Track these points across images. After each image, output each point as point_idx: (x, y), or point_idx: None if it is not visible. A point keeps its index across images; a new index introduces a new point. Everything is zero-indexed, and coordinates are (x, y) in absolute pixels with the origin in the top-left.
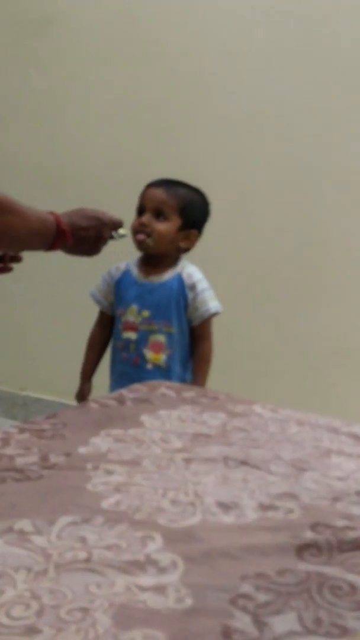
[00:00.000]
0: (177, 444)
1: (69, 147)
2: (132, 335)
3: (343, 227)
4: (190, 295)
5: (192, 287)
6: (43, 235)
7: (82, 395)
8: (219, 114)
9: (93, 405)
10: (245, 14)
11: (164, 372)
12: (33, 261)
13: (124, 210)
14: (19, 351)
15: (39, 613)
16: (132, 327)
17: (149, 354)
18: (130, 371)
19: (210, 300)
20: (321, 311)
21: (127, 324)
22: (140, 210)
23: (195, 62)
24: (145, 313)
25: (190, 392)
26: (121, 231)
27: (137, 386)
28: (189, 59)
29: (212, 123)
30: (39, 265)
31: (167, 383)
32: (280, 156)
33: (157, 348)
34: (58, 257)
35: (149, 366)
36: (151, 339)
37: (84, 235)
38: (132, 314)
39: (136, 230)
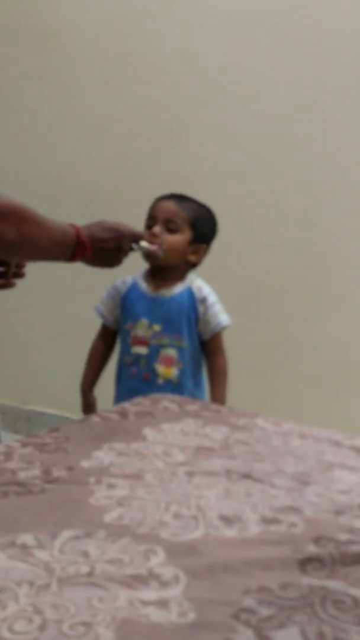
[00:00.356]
0: (180, 457)
1: (69, 161)
2: (142, 350)
3: (347, 239)
4: (201, 308)
5: (203, 300)
6: (63, 246)
7: (90, 407)
8: (220, 126)
9: (96, 419)
10: (246, 27)
11: (175, 387)
12: (36, 275)
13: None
14: (22, 365)
15: (42, 627)
16: (143, 342)
17: (160, 369)
18: (140, 387)
19: (220, 314)
20: (324, 323)
21: (137, 338)
22: (150, 222)
23: (197, 75)
24: (156, 327)
25: (193, 406)
26: (143, 244)
27: (140, 399)
28: (190, 72)
29: (213, 135)
30: (42, 280)
31: (170, 396)
32: (284, 167)
33: (168, 362)
34: (61, 271)
35: (160, 381)
36: (162, 353)
37: (103, 247)
38: (142, 328)
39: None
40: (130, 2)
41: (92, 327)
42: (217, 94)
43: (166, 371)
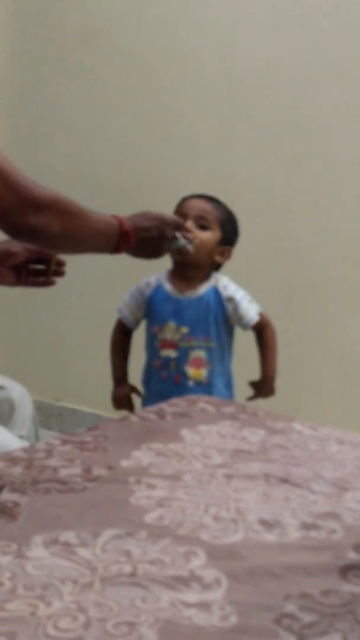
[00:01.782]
0: (218, 459)
1: (110, 159)
2: (171, 353)
3: None
4: (229, 307)
5: (230, 299)
6: (107, 237)
7: (118, 398)
8: (258, 126)
9: (133, 418)
10: (281, 26)
11: (205, 388)
12: (71, 273)
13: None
14: (54, 362)
15: (86, 626)
16: (171, 345)
17: (191, 371)
18: (171, 390)
19: (250, 310)
20: (359, 324)
21: (166, 341)
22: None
23: (233, 73)
24: (184, 329)
25: (229, 408)
26: (180, 241)
27: (176, 400)
28: (226, 71)
29: (251, 134)
30: (76, 278)
31: (206, 398)
32: (324, 166)
33: (197, 364)
34: (95, 270)
35: (191, 383)
36: (192, 355)
37: (147, 236)
38: (170, 332)
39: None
40: (169, 3)
41: None
42: (253, 93)
43: (196, 373)
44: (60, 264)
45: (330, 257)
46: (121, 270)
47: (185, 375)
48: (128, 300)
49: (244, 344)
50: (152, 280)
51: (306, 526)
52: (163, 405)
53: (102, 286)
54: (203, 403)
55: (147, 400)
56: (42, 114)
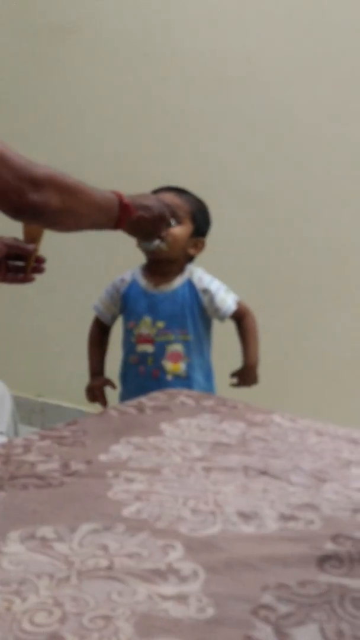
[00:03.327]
0: (197, 452)
1: (87, 153)
2: (148, 347)
3: None
4: (205, 299)
5: (205, 290)
6: (108, 212)
7: (91, 390)
8: (241, 120)
9: (112, 412)
10: (266, 21)
11: (184, 382)
12: (51, 269)
13: None
14: (36, 358)
15: (62, 620)
16: (148, 340)
17: (168, 365)
18: (149, 385)
19: (227, 299)
20: (343, 320)
21: (142, 336)
22: None
23: (216, 68)
24: (160, 324)
25: (209, 401)
26: (156, 241)
27: (156, 394)
28: (209, 67)
29: (234, 129)
30: (57, 273)
31: (186, 391)
32: (307, 163)
33: (175, 358)
34: (76, 266)
35: (169, 377)
36: (169, 349)
37: (147, 214)
38: (146, 326)
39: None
40: None
41: None
42: (235, 88)
43: (174, 367)
44: (40, 260)
45: (313, 251)
46: (102, 266)
47: (163, 370)
48: (104, 297)
49: (224, 335)
50: (127, 276)
51: (284, 517)
52: (143, 399)
53: (83, 282)
54: (183, 397)
55: (125, 396)
56: (19, 109)
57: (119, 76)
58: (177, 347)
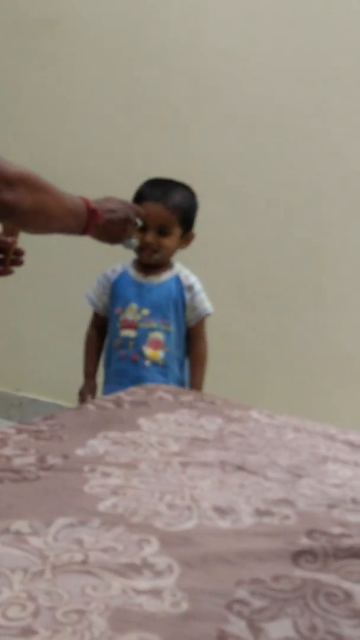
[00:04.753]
0: (174, 447)
1: (70, 146)
2: (131, 333)
3: (346, 235)
4: (187, 295)
5: (190, 288)
6: (77, 215)
7: (91, 390)
8: (221, 115)
9: (91, 407)
10: (247, 15)
11: (161, 370)
12: (30, 262)
13: None
14: (15, 352)
15: (35, 614)
16: (131, 325)
17: (148, 351)
18: (128, 368)
19: (205, 301)
20: (320, 318)
21: (126, 322)
22: (142, 226)
23: (198, 63)
24: (145, 311)
25: (187, 396)
26: (133, 241)
27: (134, 389)
28: (191, 61)
29: (214, 124)
30: (36, 267)
31: (165, 386)
32: (285, 161)
33: (155, 345)
34: (55, 260)
35: (147, 363)
36: (150, 336)
37: (113, 218)
38: (131, 312)
39: (142, 248)
40: None
41: (85, 315)
42: (218, 83)
43: (153, 353)
44: (19, 253)
45: (292, 251)
46: (81, 260)
47: (142, 355)
48: (95, 287)
49: (218, 341)
50: (118, 267)
51: (260, 513)
52: (121, 394)
53: (61, 276)
54: (161, 392)
55: (108, 379)
56: (1, 101)
57: (102, 68)
58: (158, 336)
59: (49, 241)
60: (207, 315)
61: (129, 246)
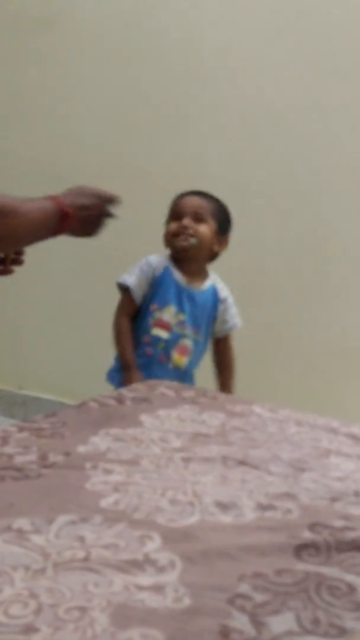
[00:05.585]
0: (176, 443)
1: (69, 145)
2: (163, 334)
3: (348, 228)
4: (220, 307)
5: (224, 300)
6: (47, 225)
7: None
8: (219, 113)
9: (92, 404)
10: (245, 17)
11: (180, 374)
12: (32, 261)
13: (129, 209)
14: (17, 350)
15: (37, 612)
16: (166, 326)
17: (175, 356)
18: (151, 366)
19: (236, 316)
20: (321, 312)
21: (161, 321)
22: (175, 217)
23: (196, 62)
24: (182, 316)
25: (189, 392)
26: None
27: (136, 385)
28: (189, 59)
29: (212, 122)
30: (38, 266)
31: (167, 382)
32: (285, 155)
33: (183, 351)
34: (56, 258)
35: (170, 366)
36: (180, 342)
37: (86, 215)
38: (169, 314)
39: (177, 233)
40: None
41: (88, 314)
42: (216, 81)
43: (179, 359)
44: (19, 252)
45: (294, 244)
46: (82, 260)
47: (169, 358)
48: (138, 273)
49: None
50: (162, 259)
51: (262, 507)
52: (123, 391)
53: (62, 275)
54: (163, 388)
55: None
56: (1, 99)
57: (97, 66)
58: (188, 343)
59: (50, 241)
60: (237, 328)
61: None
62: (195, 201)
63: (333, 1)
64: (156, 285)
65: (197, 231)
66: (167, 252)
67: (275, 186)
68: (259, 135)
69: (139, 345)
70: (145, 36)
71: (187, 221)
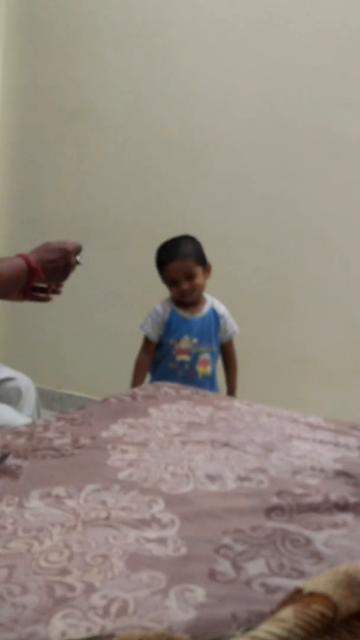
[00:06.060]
0: (176, 430)
1: (95, 204)
2: (186, 357)
3: (307, 267)
4: (221, 322)
5: (222, 316)
6: (17, 281)
7: None
8: (210, 181)
9: (113, 400)
10: (230, 104)
11: (209, 379)
12: (72, 288)
13: (140, 250)
14: (57, 358)
15: (70, 558)
16: (185, 352)
17: (200, 369)
18: (187, 382)
19: (233, 324)
20: (288, 330)
21: (181, 350)
22: (173, 283)
23: (192, 142)
24: (195, 340)
25: (186, 391)
26: (78, 258)
27: (146, 386)
28: (187, 139)
29: (205, 185)
30: (76, 292)
31: (169, 383)
32: (259, 212)
33: (205, 363)
34: (90, 281)
35: (200, 377)
36: (201, 358)
37: (54, 267)
38: (185, 343)
39: (182, 295)
40: (141, 84)
41: (113, 328)
42: (206, 157)
43: (204, 370)
44: (58, 284)
45: (266, 279)
46: (110, 284)
47: (195, 372)
48: (150, 322)
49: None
50: (166, 307)
51: (241, 478)
52: (135, 390)
53: (95, 296)
54: (166, 388)
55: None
56: (40, 173)
57: (118, 145)
58: (206, 356)
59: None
60: (236, 334)
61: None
62: (181, 265)
63: (328, 86)
64: (168, 326)
65: (195, 286)
66: (168, 295)
67: (252, 237)
68: (240, 200)
69: (169, 371)
70: (152, 123)
71: (186, 285)
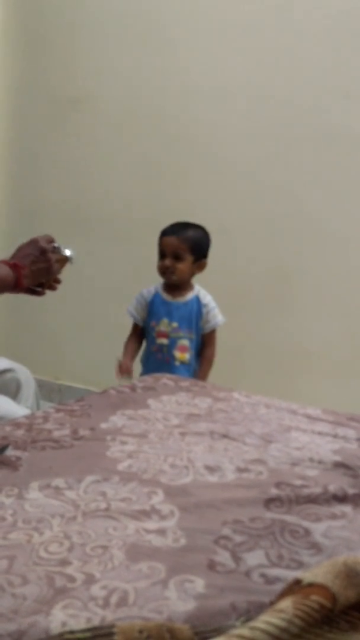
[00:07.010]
0: (175, 421)
1: (92, 195)
2: (164, 340)
3: (304, 261)
4: (204, 311)
5: (206, 305)
6: (4, 280)
7: (122, 367)
8: (209, 169)
9: (112, 391)
10: (235, 89)
11: (187, 367)
12: (69, 282)
13: (139, 242)
14: (55, 349)
15: (70, 549)
16: (164, 335)
17: (178, 354)
18: (163, 367)
19: (218, 315)
20: (285, 323)
21: (160, 332)
22: (162, 254)
23: (191, 130)
24: (174, 324)
25: (185, 382)
26: (67, 252)
27: (145, 377)
28: (185, 129)
29: (203, 176)
30: (73, 286)
31: (168, 375)
32: (259, 204)
33: (183, 350)
34: (88, 275)
35: (177, 363)
36: (179, 343)
37: (32, 259)
38: (164, 325)
39: (162, 271)
40: (139, 75)
41: (112, 320)
42: (205, 147)
43: (181, 356)
44: (56, 281)
45: (264, 273)
46: (109, 275)
47: (173, 358)
48: (135, 304)
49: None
50: (152, 288)
51: (240, 470)
52: (135, 382)
53: (94, 288)
54: (165, 379)
55: (145, 373)
56: (40, 163)
57: (115, 136)
58: (185, 342)
59: (84, 263)
60: (218, 326)
61: (71, 263)
62: (174, 242)
63: (325, 103)
64: (150, 308)
65: (177, 269)
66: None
67: (249, 228)
68: (241, 192)
69: (150, 354)
70: (150, 113)
71: (168, 261)
